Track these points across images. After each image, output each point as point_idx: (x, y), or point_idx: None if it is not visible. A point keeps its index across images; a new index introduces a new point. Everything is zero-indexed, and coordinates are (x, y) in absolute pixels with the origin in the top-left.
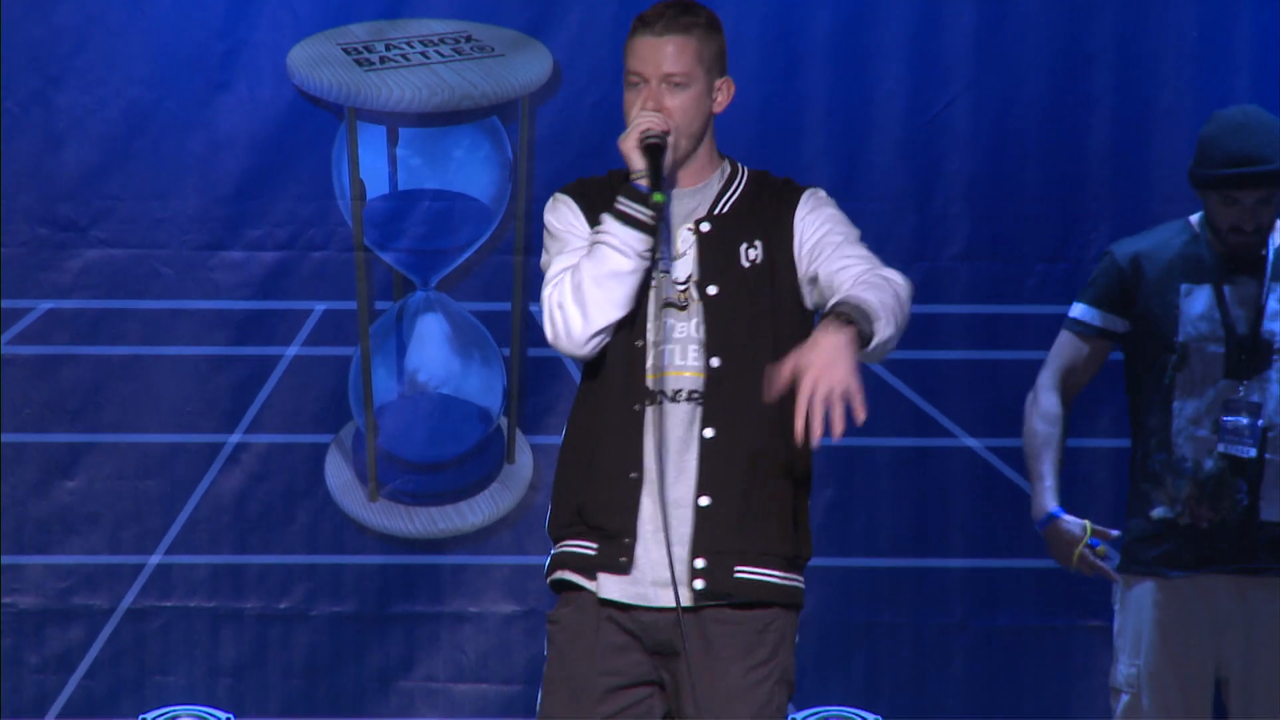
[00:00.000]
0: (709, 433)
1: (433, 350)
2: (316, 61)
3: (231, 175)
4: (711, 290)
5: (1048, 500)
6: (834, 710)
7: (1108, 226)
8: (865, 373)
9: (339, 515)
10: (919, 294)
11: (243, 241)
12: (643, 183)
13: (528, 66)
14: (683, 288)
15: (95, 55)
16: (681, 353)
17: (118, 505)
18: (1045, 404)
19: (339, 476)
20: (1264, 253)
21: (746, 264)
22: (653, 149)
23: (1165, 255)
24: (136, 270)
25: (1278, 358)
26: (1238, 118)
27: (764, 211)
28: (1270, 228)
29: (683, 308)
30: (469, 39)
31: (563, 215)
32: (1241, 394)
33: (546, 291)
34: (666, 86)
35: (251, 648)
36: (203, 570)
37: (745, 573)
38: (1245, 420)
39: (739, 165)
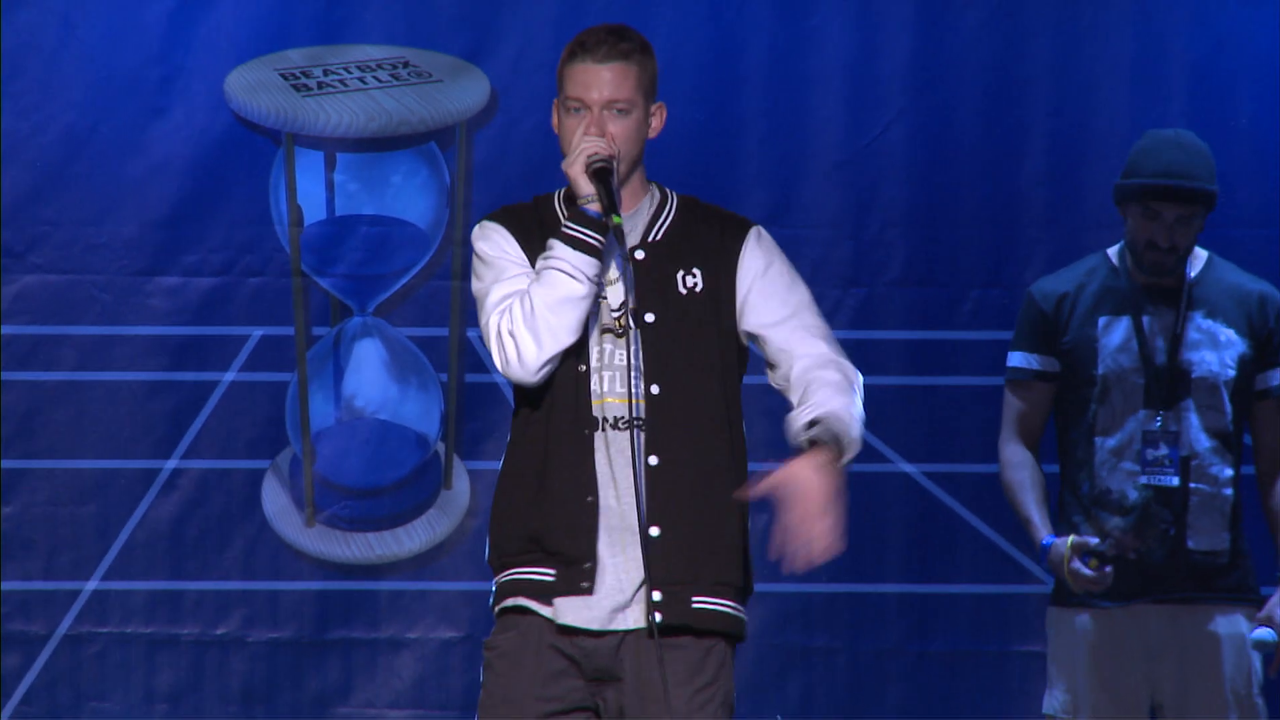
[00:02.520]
0: (653, 460)
1: (370, 375)
2: (254, 87)
3: (168, 200)
4: (649, 318)
5: (1038, 534)
6: None
7: (1043, 252)
8: None
9: (276, 541)
10: (855, 320)
11: (179, 267)
12: (592, 207)
13: (465, 92)
14: (617, 314)
15: (30, 80)
16: (621, 379)
17: (53, 531)
18: (1008, 454)
19: (276, 502)
20: (1180, 283)
21: (684, 291)
22: (601, 172)
23: (1083, 289)
24: (72, 295)
25: (1195, 387)
26: (1171, 136)
27: (702, 240)
28: (1188, 252)
29: (620, 335)
30: (406, 65)
31: (495, 242)
32: (1160, 424)
33: (494, 320)
34: (608, 113)
35: (188, 674)
36: (139, 596)
37: (703, 603)
38: (1165, 450)
39: (667, 190)
